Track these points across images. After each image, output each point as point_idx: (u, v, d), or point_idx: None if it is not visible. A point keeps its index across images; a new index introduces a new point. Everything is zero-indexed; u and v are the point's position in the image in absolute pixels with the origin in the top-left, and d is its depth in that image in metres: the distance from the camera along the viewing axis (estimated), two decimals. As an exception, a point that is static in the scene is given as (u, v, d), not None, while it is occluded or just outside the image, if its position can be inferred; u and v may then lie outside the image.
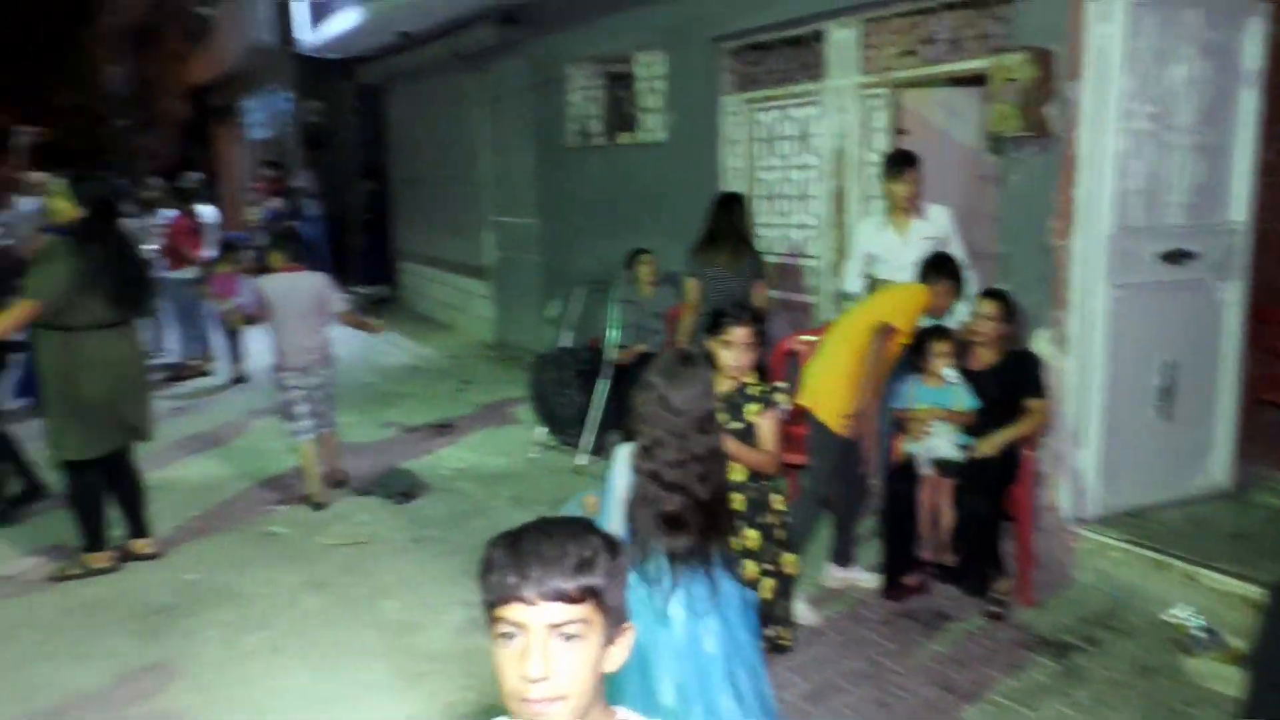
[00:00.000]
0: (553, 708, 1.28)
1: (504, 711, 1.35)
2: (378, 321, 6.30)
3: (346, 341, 9.87)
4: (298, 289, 5.40)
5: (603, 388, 5.93)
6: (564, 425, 6.25)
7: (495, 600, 1.31)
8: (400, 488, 5.61)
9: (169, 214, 8.87)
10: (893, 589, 4.15)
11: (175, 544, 4.98)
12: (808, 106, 5.87)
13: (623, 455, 2.70)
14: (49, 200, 4.59)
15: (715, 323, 3.47)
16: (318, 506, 5.44)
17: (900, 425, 4.20)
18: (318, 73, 13.45)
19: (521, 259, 9.40)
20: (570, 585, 1.29)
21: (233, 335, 8.55)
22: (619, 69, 7.57)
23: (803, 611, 3.92)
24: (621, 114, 7.65)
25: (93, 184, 4.54)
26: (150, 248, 8.80)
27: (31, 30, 25.32)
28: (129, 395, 4.56)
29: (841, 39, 5.53)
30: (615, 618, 1.35)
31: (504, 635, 1.30)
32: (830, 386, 4.09)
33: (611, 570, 1.34)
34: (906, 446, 4.16)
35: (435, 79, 10.94)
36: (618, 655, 1.36)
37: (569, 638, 1.29)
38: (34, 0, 25.92)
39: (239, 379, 8.55)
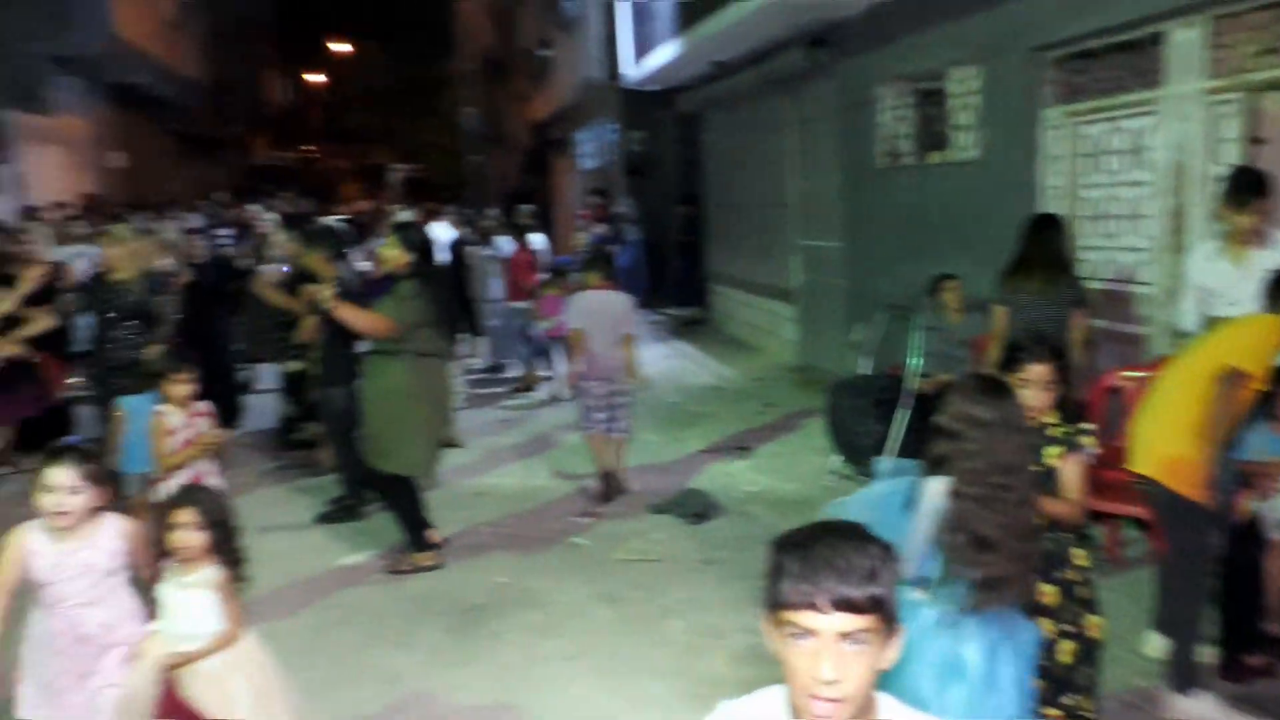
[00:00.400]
0: (837, 709, 1.38)
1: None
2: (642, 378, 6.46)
3: (654, 362, 10.31)
4: (606, 306, 5.99)
5: (902, 417, 5.72)
6: (860, 454, 6.09)
7: (787, 605, 1.40)
8: (694, 508, 5.74)
9: (507, 245, 9.75)
10: (1232, 668, 3.62)
11: (490, 548, 5.42)
12: (1142, 116, 5.33)
13: (933, 489, 2.63)
14: (382, 249, 5.20)
15: (1011, 358, 3.23)
16: (609, 495, 5.93)
17: (1244, 480, 3.66)
18: (641, 104, 14.18)
19: (826, 282, 9.31)
20: (860, 596, 1.37)
21: (555, 353, 9.19)
22: (930, 86, 7.29)
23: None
24: (932, 132, 7.36)
25: (414, 231, 5.20)
26: (492, 277, 9.75)
27: (405, 76, 28.88)
28: (445, 415, 5.08)
29: (1184, 40, 4.96)
30: (892, 622, 1.43)
31: (793, 635, 1.40)
32: (1173, 444, 3.48)
33: (892, 578, 1.42)
34: (1251, 505, 3.62)
35: (746, 105, 11.14)
36: (890, 655, 1.44)
37: (856, 645, 1.38)
38: (408, 50, 29.55)
39: (558, 396, 9.16)
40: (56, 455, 2.84)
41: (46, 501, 2.80)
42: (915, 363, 5.80)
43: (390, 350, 4.88)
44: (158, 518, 2.93)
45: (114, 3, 18.07)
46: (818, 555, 1.39)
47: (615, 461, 6.21)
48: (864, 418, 6.10)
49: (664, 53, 11.40)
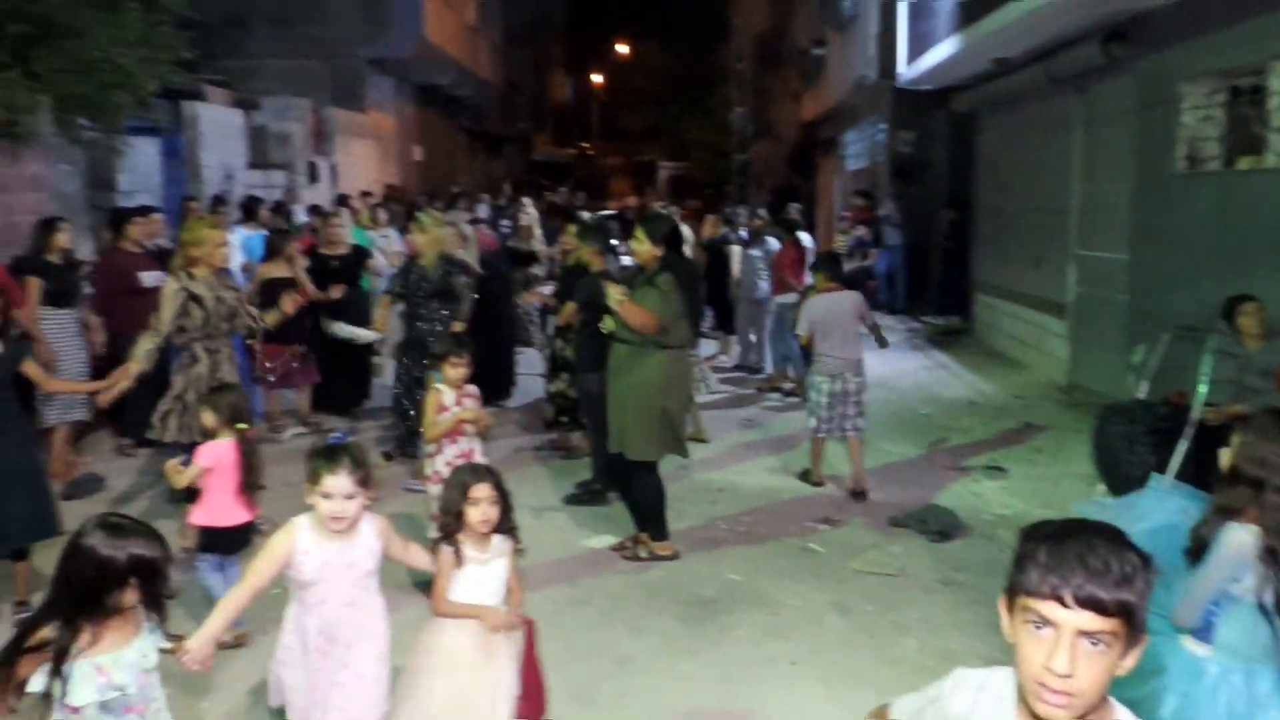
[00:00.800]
0: (1066, 702, 1.37)
1: None
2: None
3: (907, 372, 9.97)
4: (839, 306, 6.20)
5: (1181, 449, 5.19)
6: (1128, 485, 5.58)
7: (1031, 592, 1.39)
8: (937, 525, 5.51)
9: (774, 243, 9.79)
10: None
11: (725, 544, 5.48)
12: None
13: (1235, 539, 2.42)
14: (632, 243, 5.25)
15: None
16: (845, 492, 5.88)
17: None
18: (912, 104, 13.73)
19: (1106, 296, 8.60)
20: (1109, 598, 1.34)
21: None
22: (1247, 82, 6.54)
23: None
24: (1244, 135, 6.60)
25: (661, 223, 5.20)
26: (759, 277, 9.83)
27: (677, 75, 29.55)
28: (687, 408, 5.14)
29: None
30: (1137, 630, 1.39)
31: (1031, 623, 1.39)
32: None
33: (1145, 588, 1.38)
34: None
35: (1026, 105, 10.50)
36: (1129, 663, 1.40)
37: (1095, 644, 1.35)
38: (683, 48, 30.21)
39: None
40: (334, 460, 2.83)
41: (326, 508, 2.83)
42: (1202, 390, 5.24)
43: (644, 342, 4.99)
44: (450, 493, 3.10)
45: (426, 10, 19.75)
46: (1070, 550, 1.38)
47: (857, 463, 6.29)
48: (1136, 446, 5.59)
49: (941, 50, 10.96)
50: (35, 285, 6.09)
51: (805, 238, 9.95)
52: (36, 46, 7.55)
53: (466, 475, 3.11)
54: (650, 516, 5.24)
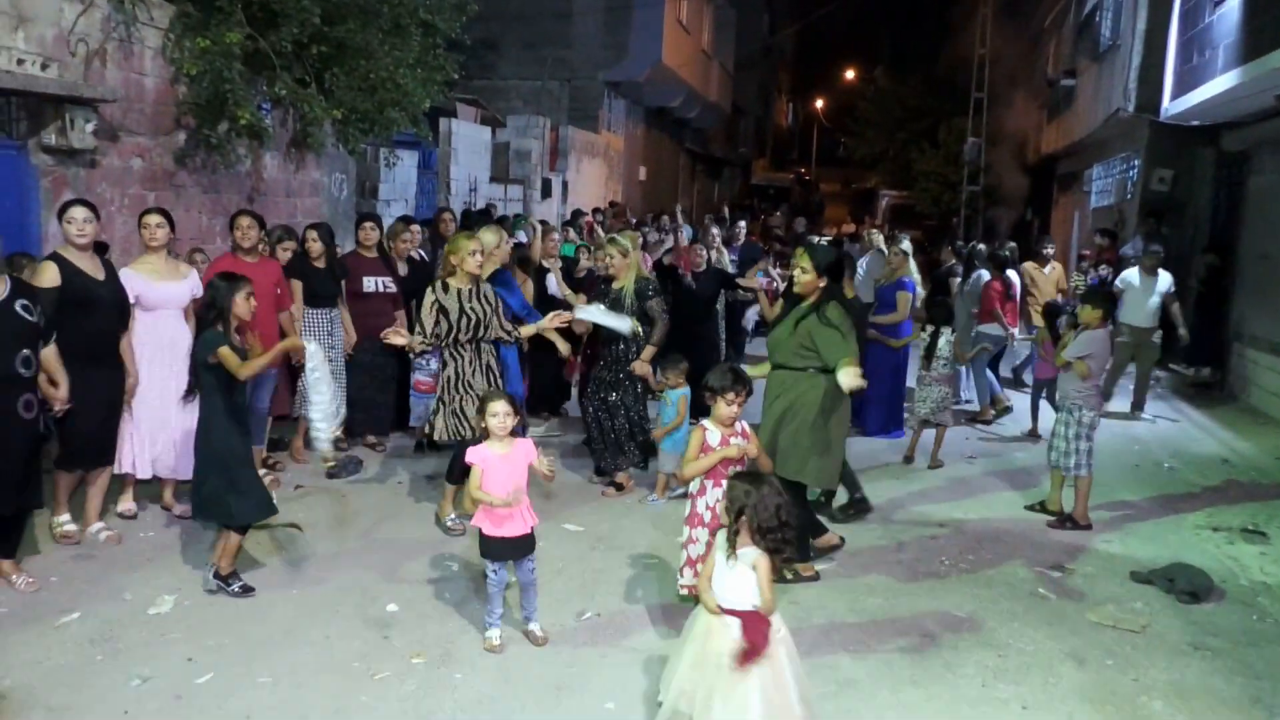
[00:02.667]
0: None
1: None
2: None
3: (1154, 426, 9.34)
4: (1106, 343, 6.29)
5: None
6: None
7: None
8: (1187, 585, 5.15)
9: (985, 275, 9.66)
10: None
11: (947, 578, 5.33)
12: None
13: None
14: (796, 270, 5.16)
15: None
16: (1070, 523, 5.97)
17: None
18: (1173, 139, 12.86)
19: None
20: None
21: (1038, 393, 8.75)
22: None
23: None
24: None
25: (826, 252, 5.17)
26: (967, 309, 9.68)
27: (909, 104, 28.93)
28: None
29: None
30: None
31: None
32: None
33: None
34: None
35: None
36: None
37: None
38: (915, 78, 29.58)
39: (1032, 435, 8.70)
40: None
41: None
42: None
43: (806, 366, 4.98)
44: (734, 495, 3.38)
45: (665, 35, 20.38)
46: None
47: (1080, 503, 6.22)
48: None
49: (1217, 84, 10.22)
50: (297, 287, 6.62)
51: (1013, 275, 9.92)
52: (332, 66, 8.40)
53: (749, 482, 3.38)
54: (797, 538, 5.10)
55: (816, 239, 13.70)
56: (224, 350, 4.47)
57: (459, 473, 5.23)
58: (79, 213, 4.96)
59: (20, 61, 6.21)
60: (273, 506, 4.81)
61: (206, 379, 4.56)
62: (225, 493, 4.52)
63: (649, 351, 6.38)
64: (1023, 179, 23.25)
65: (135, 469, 5.42)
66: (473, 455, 4.24)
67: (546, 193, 17.43)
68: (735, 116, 35.13)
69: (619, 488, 6.55)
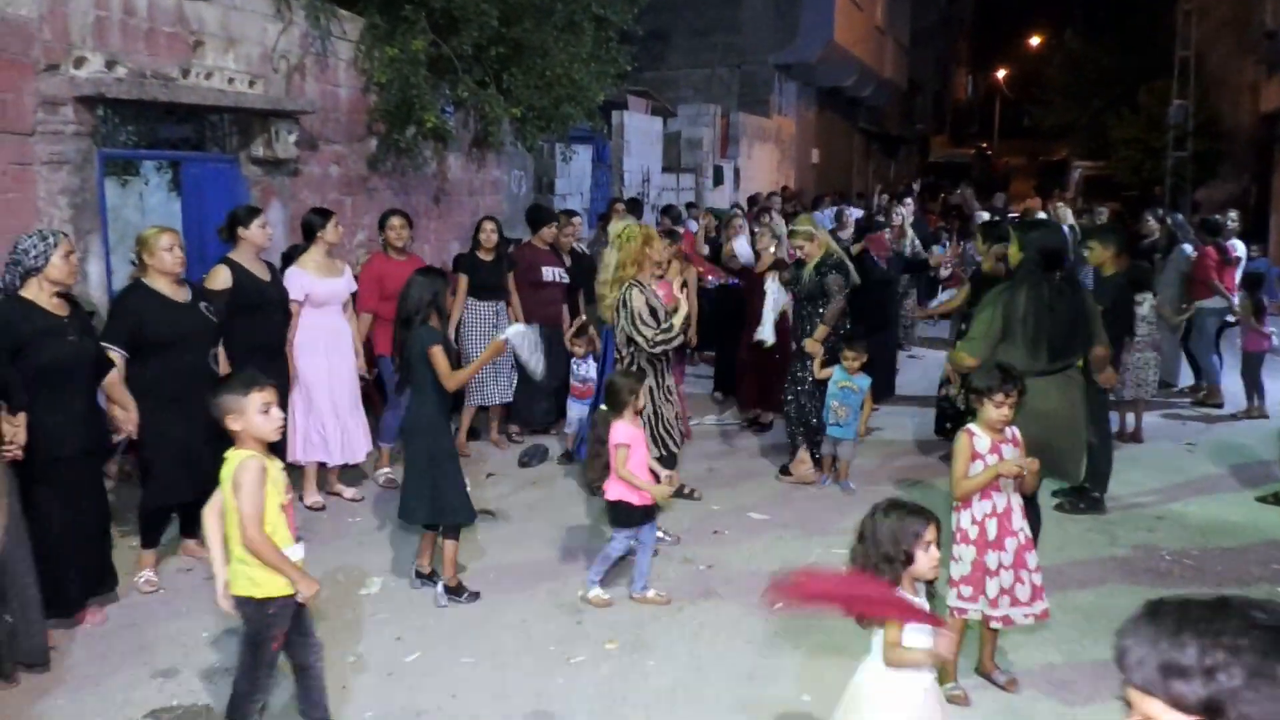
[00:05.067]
0: None
1: None
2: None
3: None
4: None
5: None
6: None
7: None
8: None
9: (1188, 249, 9.04)
10: None
11: (1168, 576, 4.94)
12: None
13: None
14: (1012, 248, 4.78)
15: None
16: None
17: None
18: None
19: None
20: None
21: (1254, 368, 8.04)
22: None
23: None
24: None
25: (1042, 234, 4.69)
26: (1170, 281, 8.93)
27: (1104, 66, 27.07)
28: (1056, 441, 4.36)
29: None
30: None
31: None
32: None
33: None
34: None
35: None
36: None
37: None
38: (1109, 39, 27.67)
39: (1252, 413, 8.00)
40: None
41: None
42: None
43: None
44: (894, 531, 2.74)
45: (836, 14, 19.89)
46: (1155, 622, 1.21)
47: None
48: None
49: None
50: (463, 281, 6.77)
51: (1238, 244, 9.25)
52: (510, 66, 8.63)
53: (913, 518, 2.73)
54: None
55: (995, 215, 13.05)
56: (436, 350, 4.47)
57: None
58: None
59: (231, 80, 6.69)
60: (473, 511, 4.74)
61: (419, 375, 4.56)
62: (432, 494, 4.52)
63: (821, 330, 6.21)
64: (1239, 143, 21.30)
65: (307, 455, 5.66)
66: (622, 435, 4.50)
67: (718, 180, 17.36)
68: (911, 92, 33.96)
69: (788, 472, 6.50)
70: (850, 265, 6.49)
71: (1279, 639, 1.13)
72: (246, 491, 3.03)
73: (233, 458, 3.12)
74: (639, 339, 5.01)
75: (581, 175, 12.79)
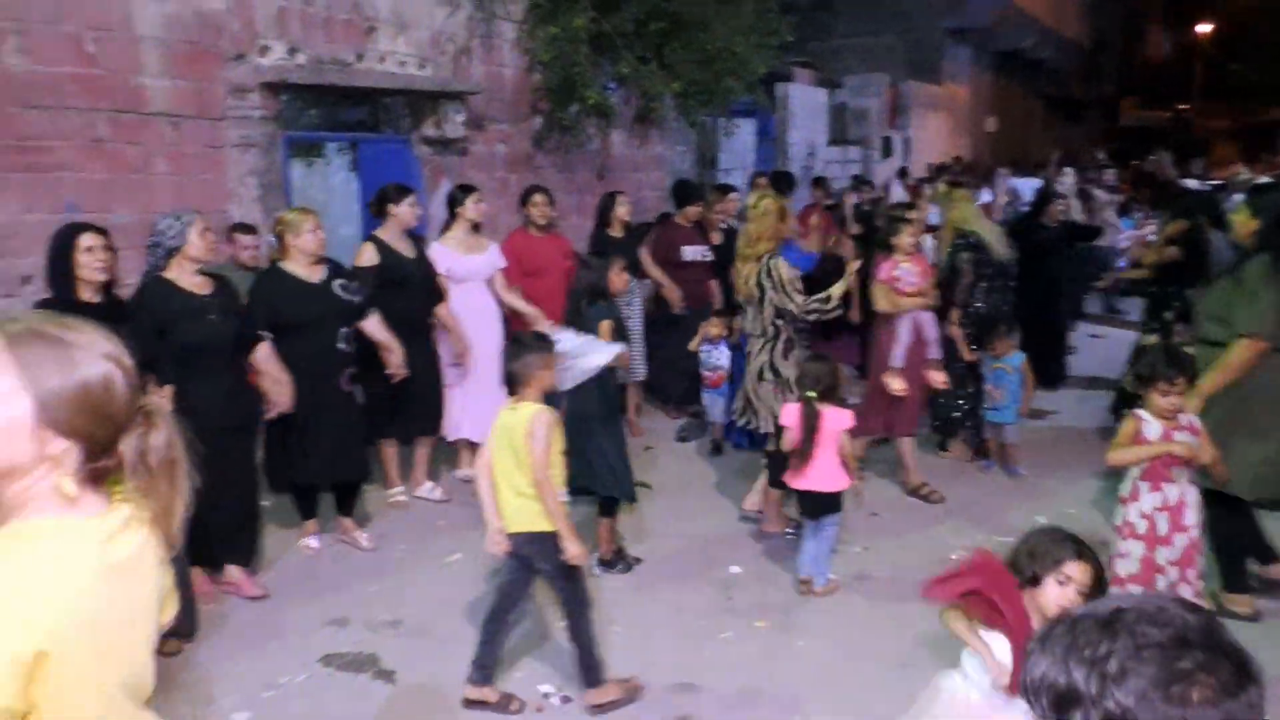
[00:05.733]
0: None
1: None
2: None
3: None
4: None
5: None
6: None
7: None
8: None
9: None
10: None
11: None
12: None
13: None
14: (1234, 215, 4.35)
15: None
16: None
17: None
18: None
19: None
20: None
21: None
22: None
23: None
24: None
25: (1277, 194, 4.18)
26: None
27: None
28: None
29: None
30: None
31: None
32: None
33: None
34: None
35: None
36: None
37: None
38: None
39: None
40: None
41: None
42: None
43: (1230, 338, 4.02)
44: (1035, 551, 2.57)
45: (1012, -28, 18.86)
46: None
47: None
48: None
49: None
50: (617, 261, 6.73)
51: None
52: (670, 41, 8.62)
53: (1060, 546, 2.52)
54: (1224, 560, 4.19)
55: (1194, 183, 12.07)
56: (606, 325, 4.55)
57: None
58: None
59: (402, 63, 6.97)
60: (631, 487, 4.78)
61: None
62: (591, 469, 4.56)
63: (954, 314, 5.97)
64: None
65: (461, 433, 5.74)
66: (845, 419, 4.40)
67: (887, 152, 16.83)
68: (1096, 53, 31.81)
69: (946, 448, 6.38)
70: (995, 243, 6.14)
71: (1169, 658, 1.03)
72: (539, 437, 3.39)
73: (522, 409, 3.46)
74: (791, 306, 4.89)
75: (745, 150, 12.65)
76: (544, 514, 3.43)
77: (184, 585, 3.89)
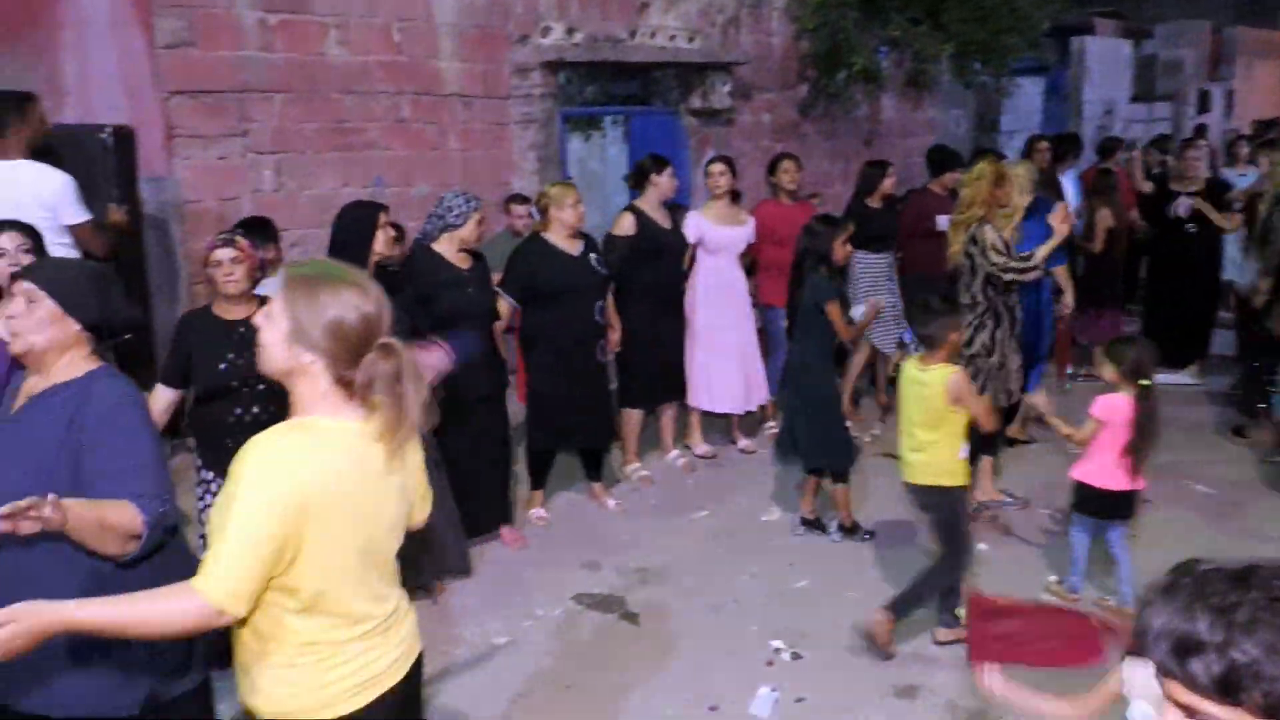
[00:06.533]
0: None
1: None
2: None
3: None
4: None
5: None
6: None
7: None
8: None
9: None
10: None
11: None
12: None
13: None
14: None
15: None
16: None
17: None
18: None
19: None
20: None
21: None
22: None
23: None
24: None
25: None
26: None
27: None
28: None
29: None
30: None
31: None
32: None
33: None
34: None
35: None
36: None
37: None
38: None
39: None
40: None
41: None
42: None
43: None
44: None
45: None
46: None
47: None
48: None
49: None
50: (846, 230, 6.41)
51: None
52: (944, 1, 8.27)
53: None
54: None
55: None
56: (833, 306, 4.55)
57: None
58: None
59: (672, 37, 7.20)
60: (853, 455, 4.80)
61: (808, 322, 4.63)
62: (817, 438, 4.61)
63: (1264, 281, 5.44)
64: None
65: (705, 404, 5.78)
66: (1103, 408, 3.93)
67: (1203, 107, 15.12)
68: None
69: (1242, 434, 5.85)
70: None
71: None
72: (970, 393, 3.74)
73: (935, 371, 3.71)
74: (991, 269, 4.64)
75: (1030, 110, 11.88)
76: (939, 470, 3.74)
77: (455, 530, 4.31)
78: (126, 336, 2.32)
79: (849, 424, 5.02)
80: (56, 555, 2.05)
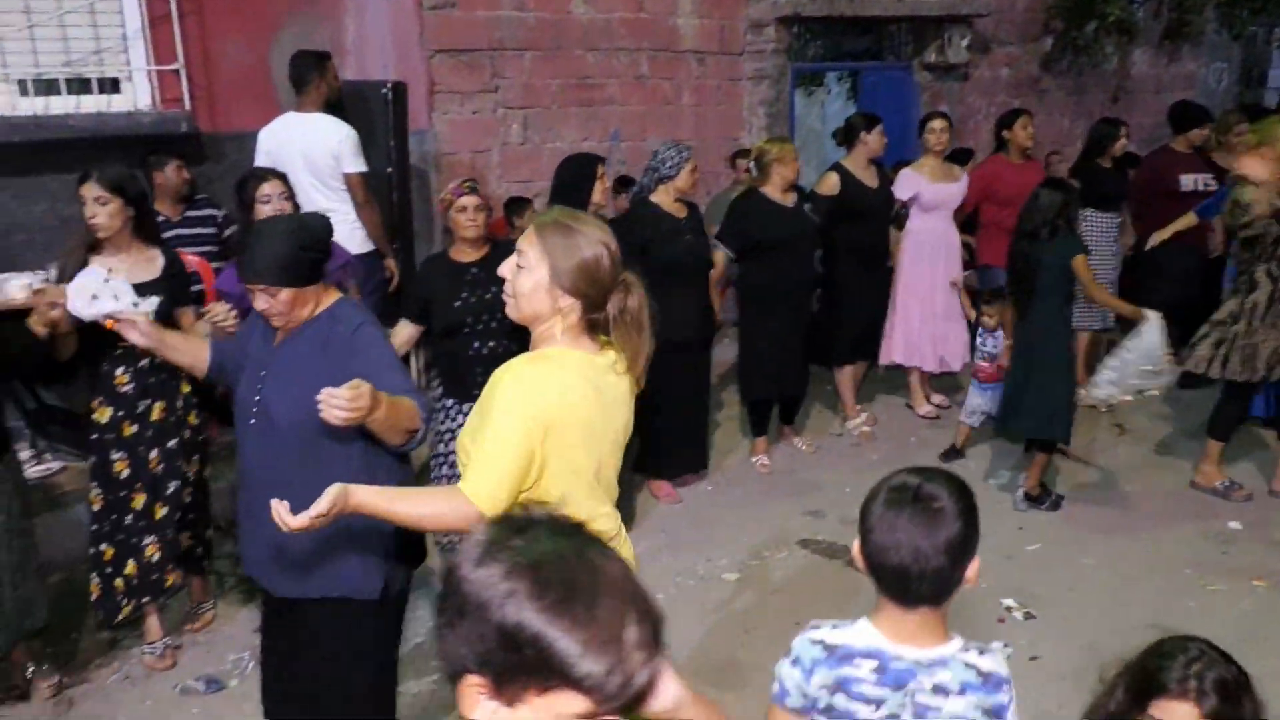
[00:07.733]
0: None
1: None
2: None
3: None
4: None
5: None
6: None
7: None
8: None
9: None
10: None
11: None
12: None
13: None
14: None
15: None
16: None
17: None
18: None
19: None
20: None
21: None
22: None
23: None
24: None
25: None
26: None
27: None
28: None
29: None
30: None
31: None
32: None
33: None
34: None
35: None
36: None
37: None
38: None
39: None
40: None
41: None
42: None
43: None
44: None
45: None
46: None
47: None
48: None
49: None
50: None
51: None
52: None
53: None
54: None
55: None
56: (1079, 260, 4.31)
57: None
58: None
59: (912, -10, 7.01)
60: (1070, 429, 4.57)
61: (1047, 284, 4.38)
62: (1040, 405, 4.40)
63: None
64: None
65: (910, 360, 5.67)
66: None
67: None
68: None
69: None
70: None
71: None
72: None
73: None
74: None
75: (1308, 65, 10.71)
76: None
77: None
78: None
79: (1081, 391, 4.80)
80: (346, 449, 2.30)
